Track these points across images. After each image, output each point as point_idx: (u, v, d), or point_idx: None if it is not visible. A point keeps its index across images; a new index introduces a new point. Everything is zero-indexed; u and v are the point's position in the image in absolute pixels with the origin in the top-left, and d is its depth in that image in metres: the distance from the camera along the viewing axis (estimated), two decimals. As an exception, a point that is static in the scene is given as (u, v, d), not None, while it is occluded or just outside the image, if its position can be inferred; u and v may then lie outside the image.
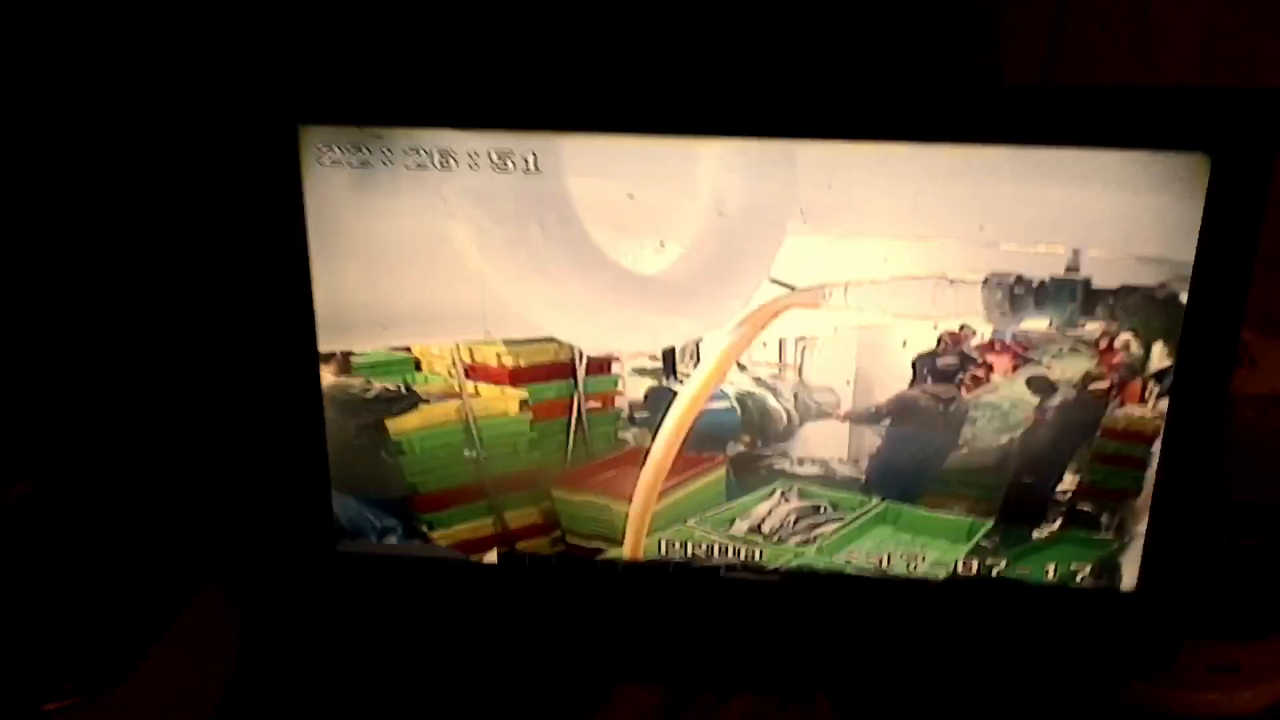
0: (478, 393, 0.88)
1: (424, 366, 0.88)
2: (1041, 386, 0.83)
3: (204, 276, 0.97)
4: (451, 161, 0.80)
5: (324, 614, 0.97)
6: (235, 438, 1.00)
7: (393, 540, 0.93)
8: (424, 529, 0.93)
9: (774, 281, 0.82)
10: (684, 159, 0.79)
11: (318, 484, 0.91)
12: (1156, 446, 0.84)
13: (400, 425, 0.89)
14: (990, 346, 0.83)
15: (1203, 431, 0.83)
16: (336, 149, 0.80)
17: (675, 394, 0.86)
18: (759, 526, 0.90)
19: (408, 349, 0.87)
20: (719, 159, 0.79)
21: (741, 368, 0.86)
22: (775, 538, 0.90)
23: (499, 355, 0.86)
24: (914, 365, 0.84)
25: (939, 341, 0.83)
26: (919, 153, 0.77)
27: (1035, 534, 0.89)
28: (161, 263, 0.99)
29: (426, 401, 0.89)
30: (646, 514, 0.90)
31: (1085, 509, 0.87)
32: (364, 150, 0.80)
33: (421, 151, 0.80)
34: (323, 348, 0.86)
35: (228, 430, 1.00)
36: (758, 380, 0.87)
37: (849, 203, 0.79)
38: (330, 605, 0.97)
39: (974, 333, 0.82)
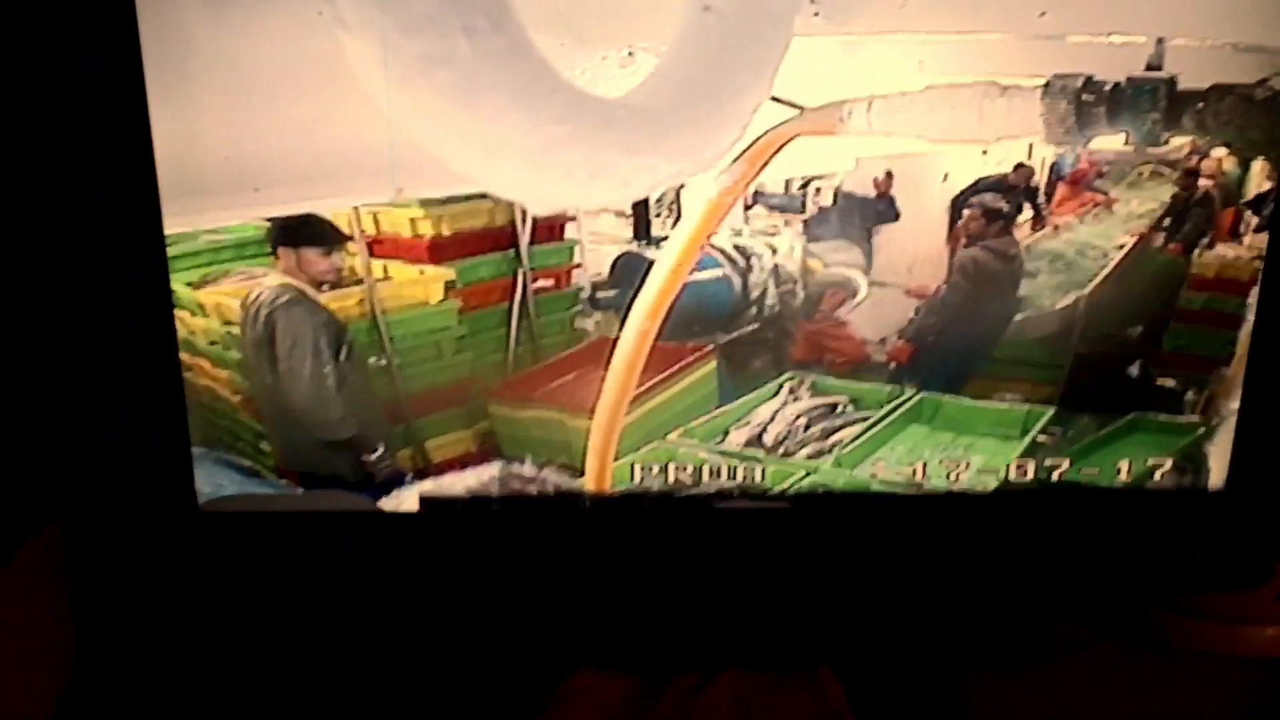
0: (387, 275, 0.69)
1: (311, 243, 0.68)
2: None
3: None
4: (343, -56, 0.60)
5: (186, 587, 0.73)
6: (65, 354, 0.74)
7: (269, 491, 0.71)
8: (319, 471, 0.71)
9: (777, 100, 0.65)
10: (658, -69, 0.62)
11: (170, 422, 0.68)
12: (1253, 297, 0.67)
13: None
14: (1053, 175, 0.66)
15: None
16: (180, -71, 0.60)
17: (651, 262, 0.68)
18: (760, 436, 0.72)
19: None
20: (704, -69, 0.61)
21: (735, 224, 0.68)
22: (781, 450, 0.72)
23: (414, 221, 0.68)
24: (954, 206, 0.67)
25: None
26: (964, -89, 0.62)
27: (1104, 421, 0.72)
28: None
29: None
30: (614, 430, 0.71)
31: (1165, 385, 0.71)
32: (219, -69, 0.60)
33: (301, -70, 0.60)
34: (170, 225, 0.64)
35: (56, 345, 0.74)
36: (757, 237, 0.69)
37: (874, -15, 0.63)
38: (193, 576, 0.73)
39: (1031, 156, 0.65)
